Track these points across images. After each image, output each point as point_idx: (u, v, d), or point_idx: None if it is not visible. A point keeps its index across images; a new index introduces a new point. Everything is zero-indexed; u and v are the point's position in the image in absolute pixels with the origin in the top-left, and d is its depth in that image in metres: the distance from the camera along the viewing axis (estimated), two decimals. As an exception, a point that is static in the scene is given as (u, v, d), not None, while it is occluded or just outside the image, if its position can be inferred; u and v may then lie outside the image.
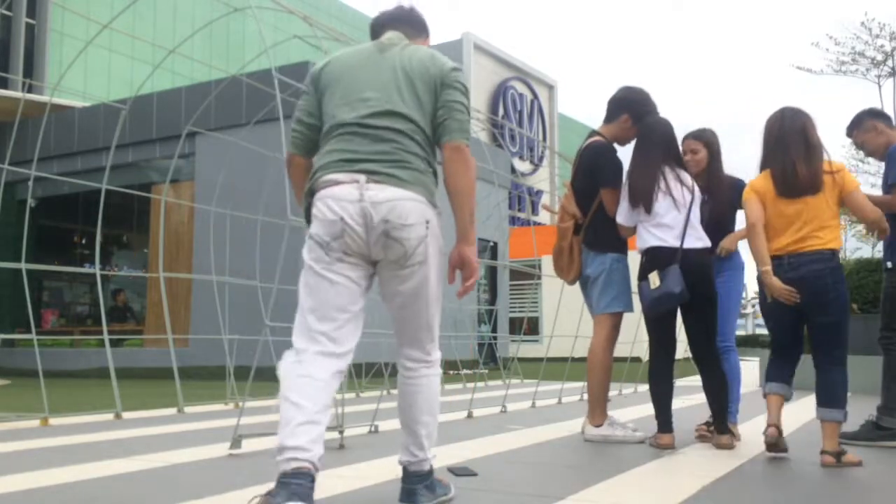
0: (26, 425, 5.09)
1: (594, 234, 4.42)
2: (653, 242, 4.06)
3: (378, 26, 2.76)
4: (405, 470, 2.60)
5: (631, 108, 4.41)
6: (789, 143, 3.65)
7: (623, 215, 4.22)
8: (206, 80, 13.13)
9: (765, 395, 3.80)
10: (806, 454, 3.92)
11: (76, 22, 18.21)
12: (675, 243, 4.00)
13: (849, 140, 4.67)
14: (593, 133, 4.58)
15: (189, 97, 11.98)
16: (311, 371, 2.39)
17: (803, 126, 3.68)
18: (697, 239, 4.06)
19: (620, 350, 4.98)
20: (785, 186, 3.62)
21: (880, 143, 4.41)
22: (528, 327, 18.79)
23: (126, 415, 5.74)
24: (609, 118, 4.50)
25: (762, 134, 3.81)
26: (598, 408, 4.39)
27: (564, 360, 7.66)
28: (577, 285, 4.63)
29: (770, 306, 3.72)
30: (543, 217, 29.38)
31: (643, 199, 4.07)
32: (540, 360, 8.03)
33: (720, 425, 4.05)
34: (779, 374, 3.79)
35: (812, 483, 3.21)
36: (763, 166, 3.77)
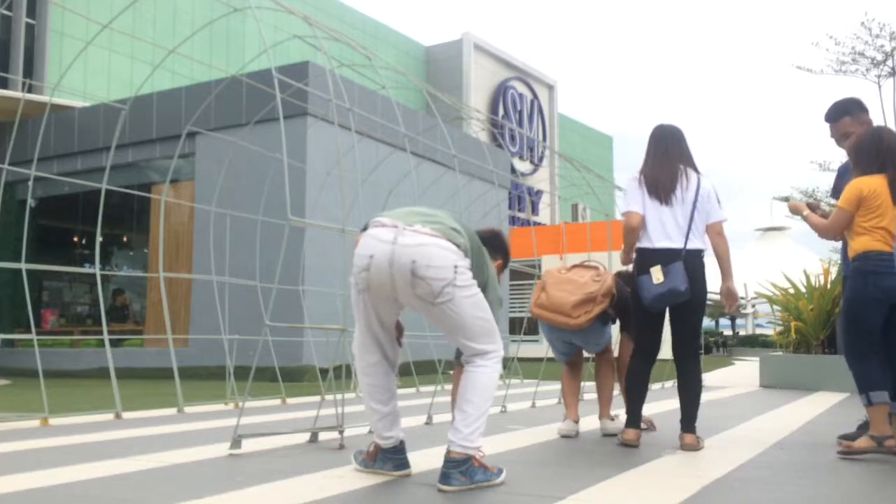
0: (26, 425, 5.09)
1: None
2: (655, 242, 4.04)
3: None
4: (446, 454, 2.93)
5: None
6: None
7: (638, 204, 4.10)
8: (206, 80, 13.13)
9: (870, 404, 3.74)
10: (806, 454, 3.92)
11: (76, 22, 18.21)
12: (679, 242, 4.00)
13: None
14: None
15: (189, 97, 11.98)
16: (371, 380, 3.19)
17: None
18: (696, 240, 4.06)
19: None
20: None
21: None
22: (528, 327, 18.78)
23: (126, 415, 5.74)
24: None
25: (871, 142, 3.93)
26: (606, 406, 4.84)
27: (564, 360, 7.65)
28: None
29: (871, 305, 3.77)
30: (543, 217, 29.40)
31: (663, 190, 4.05)
32: (540, 360, 8.03)
33: (688, 425, 4.04)
34: (884, 379, 3.78)
35: (813, 483, 3.21)
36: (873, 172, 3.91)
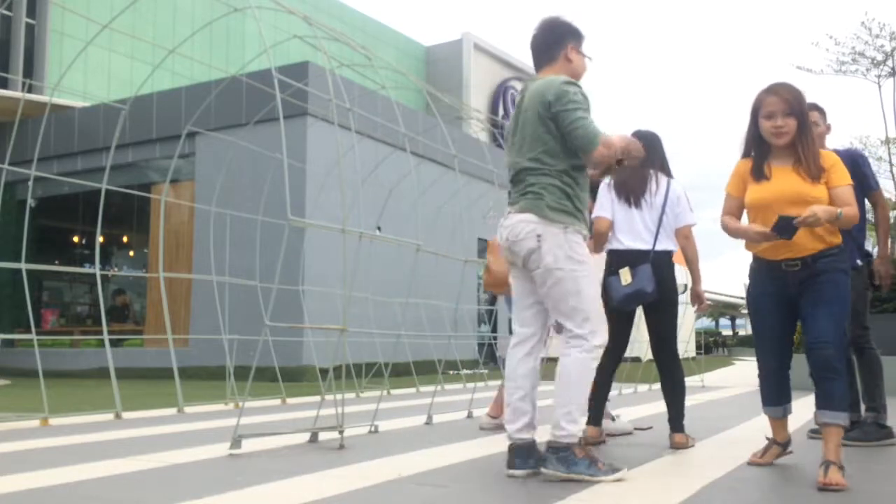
0: (26, 425, 5.09)
1: None
2: (625, 243, 4.16)
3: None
4: (547, 440, 3.07)
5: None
6: None
7: (607, 208, 4.26)
8: (206, 80, 13.13)
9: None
10: (806, 454, 3.92)
11: (76, 22, 18.19)
12: (648, 244, 4.11)
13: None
14: None
15: (189, 97, 11.98)
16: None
17: None
18: (666, 241, 4.17)
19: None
20: None
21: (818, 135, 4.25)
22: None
23: (126, 415, 5.74)
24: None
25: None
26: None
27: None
28: None
29: None
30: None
31: (632, 193, 4.19)
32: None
33: (676, 424, 4.12)
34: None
35: (812, 483, 3.21)
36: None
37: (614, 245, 4.20)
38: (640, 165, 4.28)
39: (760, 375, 3.49)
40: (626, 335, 4.26)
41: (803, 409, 6.33)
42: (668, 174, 4.31)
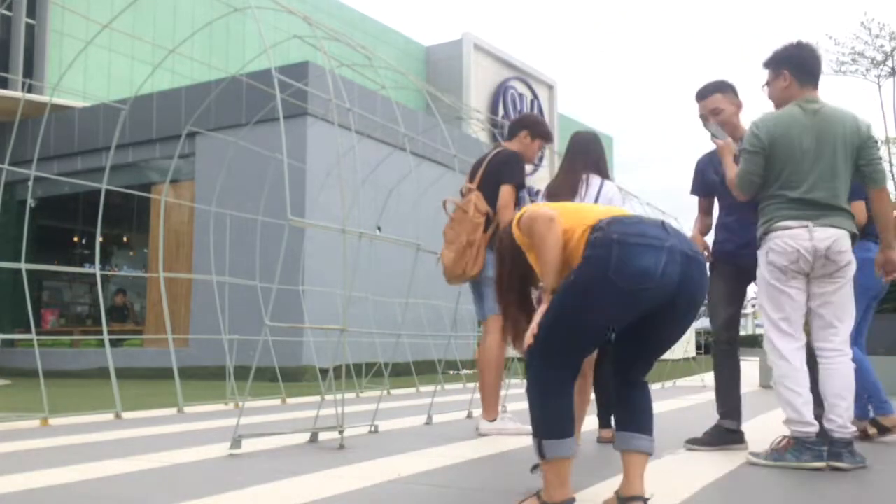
0: (26, 425, 5.09)
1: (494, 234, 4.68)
2: None
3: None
4: (830, 436, 3.37)
5: (528, 126, 4.87)
6: None
7: None
8: (206, 80, 13.13)
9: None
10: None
11: (76, 22, 18.18)
12: None
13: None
14: (499, 146, 4.98)
15: (189, 97, 11.98)
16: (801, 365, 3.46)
17: None
18: None
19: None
20: None
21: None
22: (528, 327, 18.79)
23: (126, 415, 5.74)
24: (510, 136, 4.90)
25: None
26: (492, 403, 4.65)
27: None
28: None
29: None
30: (543, 217, 29.21)
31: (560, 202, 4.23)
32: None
33: (605, 421, 4.32)
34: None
35: (812, 483, 3.21)
36: None
37: None
38: (571, 170, 4.32)
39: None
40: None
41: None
42: (604, 175, 4.31)
